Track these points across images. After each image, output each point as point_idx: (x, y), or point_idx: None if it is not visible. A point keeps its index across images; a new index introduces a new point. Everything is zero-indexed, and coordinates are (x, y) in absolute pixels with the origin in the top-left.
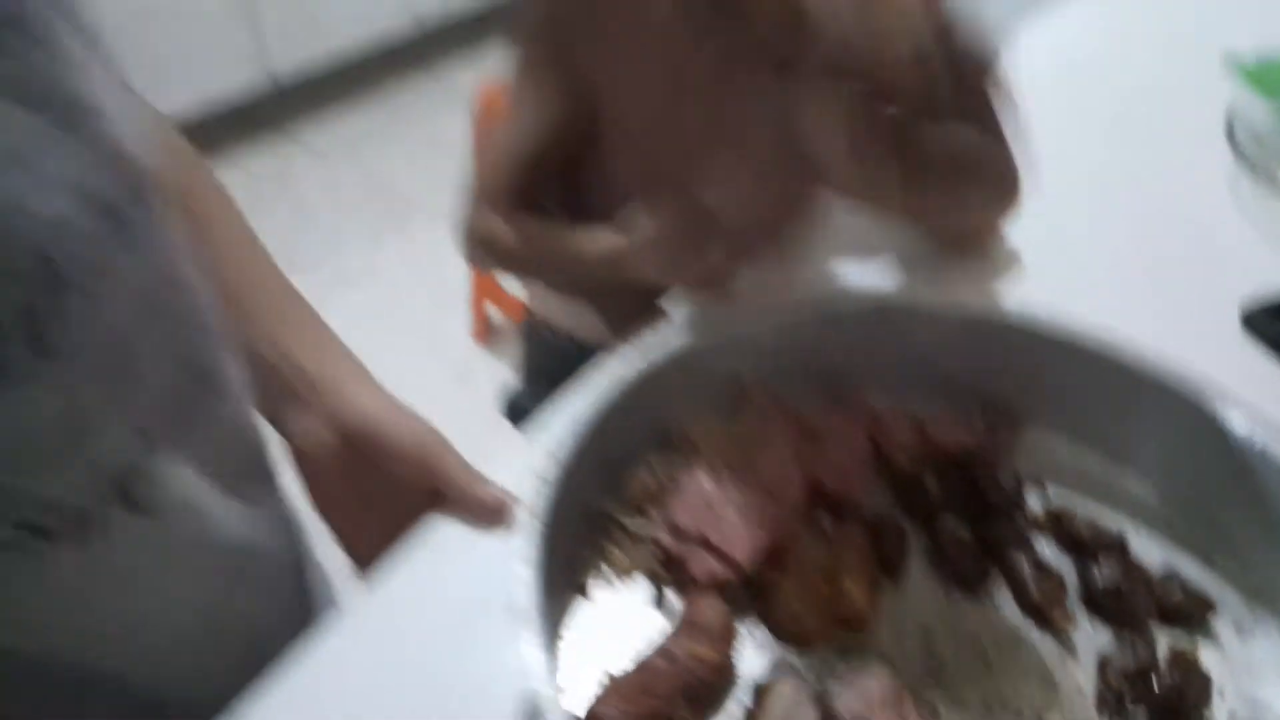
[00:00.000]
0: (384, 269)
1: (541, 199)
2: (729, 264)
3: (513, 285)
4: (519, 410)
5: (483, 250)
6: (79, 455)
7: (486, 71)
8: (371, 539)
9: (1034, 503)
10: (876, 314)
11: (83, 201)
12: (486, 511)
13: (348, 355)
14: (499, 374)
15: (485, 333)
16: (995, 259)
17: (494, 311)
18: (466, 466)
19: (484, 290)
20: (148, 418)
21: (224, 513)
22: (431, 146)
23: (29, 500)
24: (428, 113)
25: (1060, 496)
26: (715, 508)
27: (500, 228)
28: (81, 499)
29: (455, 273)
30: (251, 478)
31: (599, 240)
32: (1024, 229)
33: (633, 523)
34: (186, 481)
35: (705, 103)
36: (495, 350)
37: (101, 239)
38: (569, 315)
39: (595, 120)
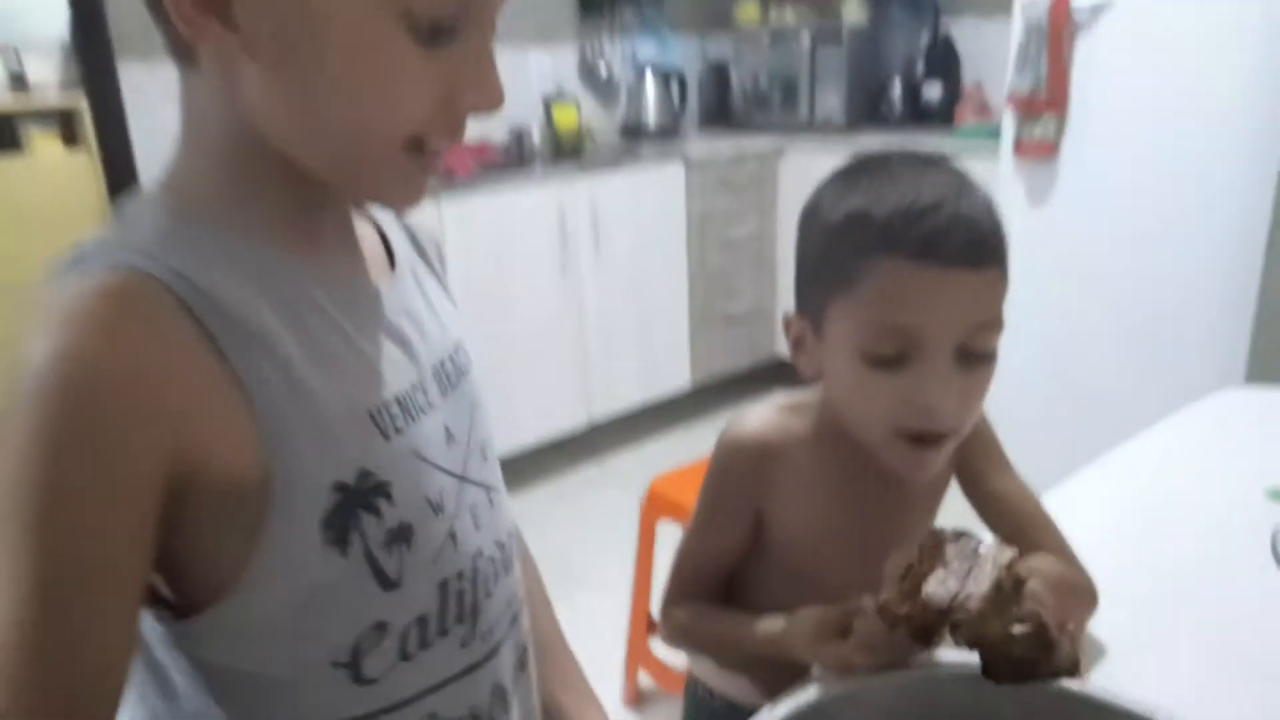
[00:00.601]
0: None
1: (719, 591)
2: (870, 655)
3: (665, 654)
4: None
5: (675, 635)
6: None
7: (647, 462)
8: None
9: None
10: (977, 680)
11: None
12: None
13: (591, 696)
14: None
15: (636, 698)
16: (1081, 648)
17: (645, 678)
18: None
19: (637, 658)
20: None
21: None
22: (596, 528)
23: None
24: (595, 497)
25: None
26: None
27: (687, 618)
28: None
29: (612, 640)
30: None
31: (762, 629)
32: (1104, 626)
33: None
34: None
35: (863, 523)
36: (645, 715)
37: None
38: (728, 681)
39: (764, 530)
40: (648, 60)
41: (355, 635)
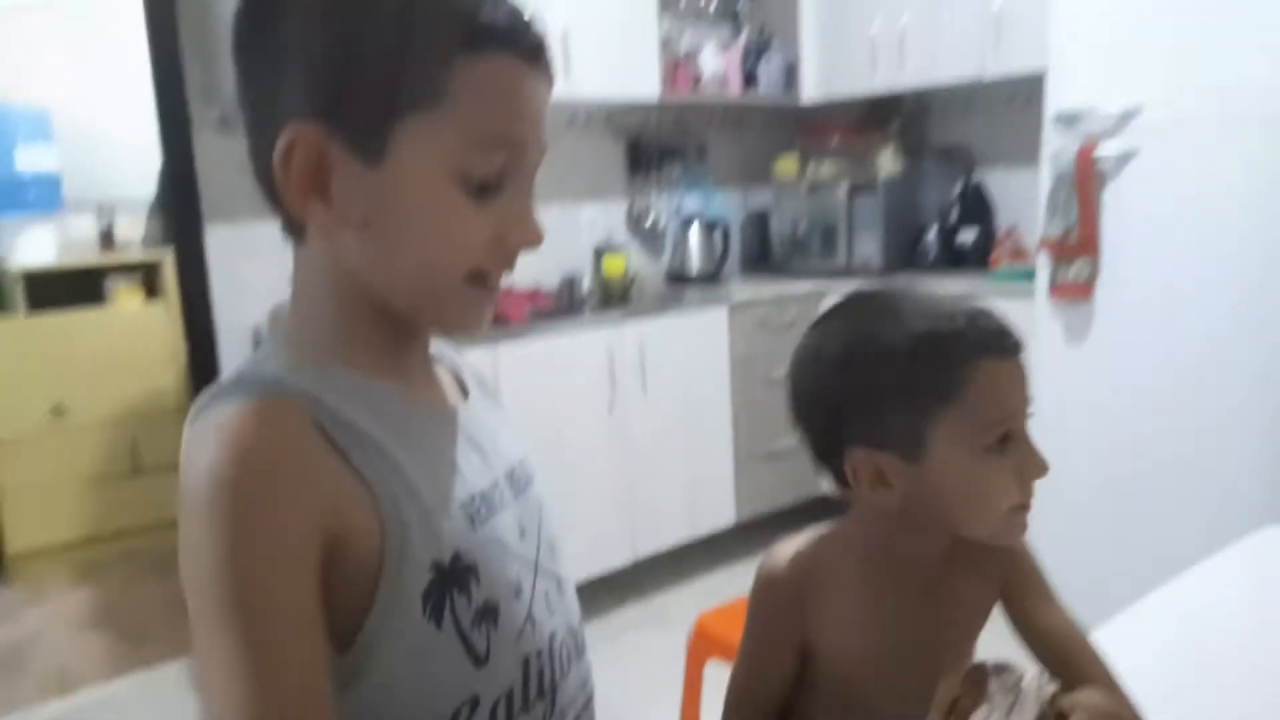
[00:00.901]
0: None
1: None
2: None
3: None
4: None
5: None
6: None
7: (694, 599)
8: None
9: None
10: None
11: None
12: None
13: None
14: None
15: None
16: None
17: None
18: None
19: None
20: None
21: None
22: (643, 668)
23: None
24: (640, 637)
25: None
26: None
27: None
28: None
29: None
30: None
31: None
32: None
33: None
34: None
35: (907, 645)
36: None
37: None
38: None
39: (810, 661)
40: (692, 211)
41: (453, 707)
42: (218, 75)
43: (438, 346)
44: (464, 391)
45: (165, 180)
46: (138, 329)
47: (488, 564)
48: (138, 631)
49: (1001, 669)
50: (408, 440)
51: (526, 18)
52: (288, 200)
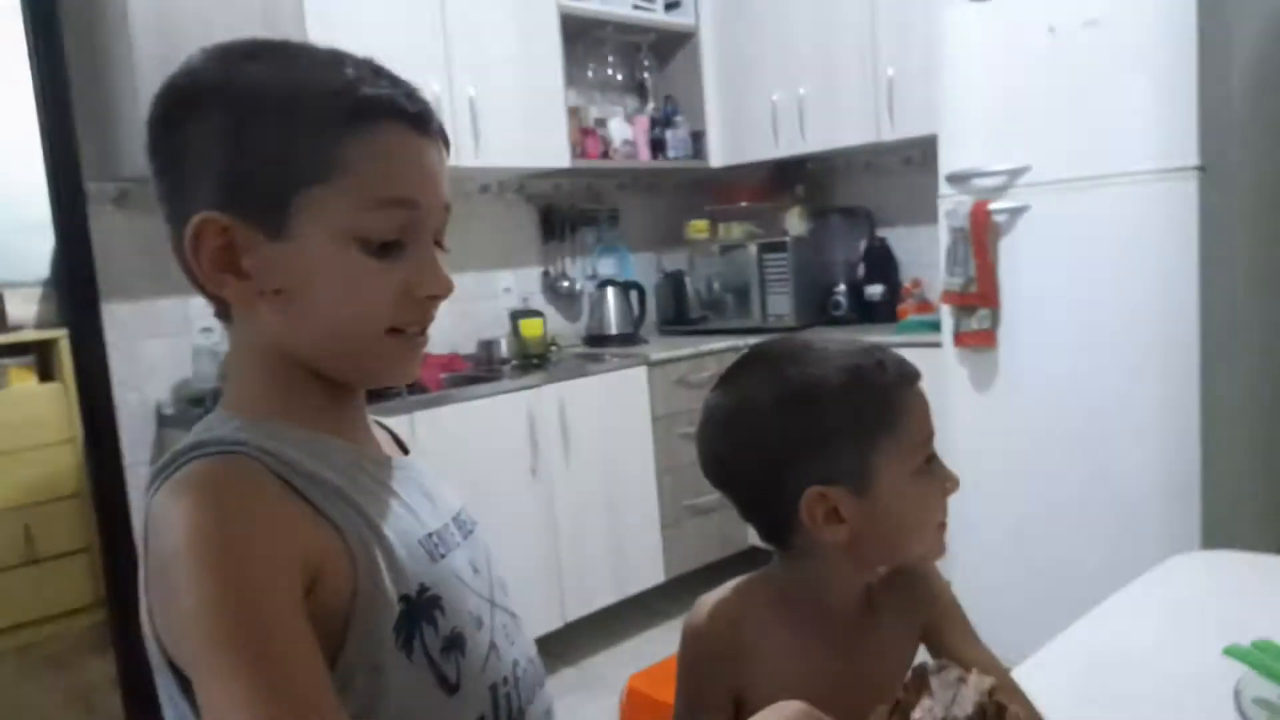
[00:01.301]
0: None
1: None
2: None
3: None
4: None
5: None
6: None
7: (627, 661)
8: None
9: None
10: None
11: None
12: None
13: None
14: None
15: None
16: None
17: None
18: None
19: None
20: None
21: None
22: None
23: None
24: (573, 700)
25: None
26: None
27: None
28: None
29: None
30: None
31: None
32: None
33: None
34: None
35: (841, 684)
36: None
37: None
38: None
39: (744, 712)
40: (607, 274)
41: None
42: (116, 149)
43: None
44: (403, 448)
45: (60, 258)
46: (32, 412)
47: (450, 596)
48: None
49: (942, 667)
50: (362, 486)
51: (408, 90)
52: (204, 282)
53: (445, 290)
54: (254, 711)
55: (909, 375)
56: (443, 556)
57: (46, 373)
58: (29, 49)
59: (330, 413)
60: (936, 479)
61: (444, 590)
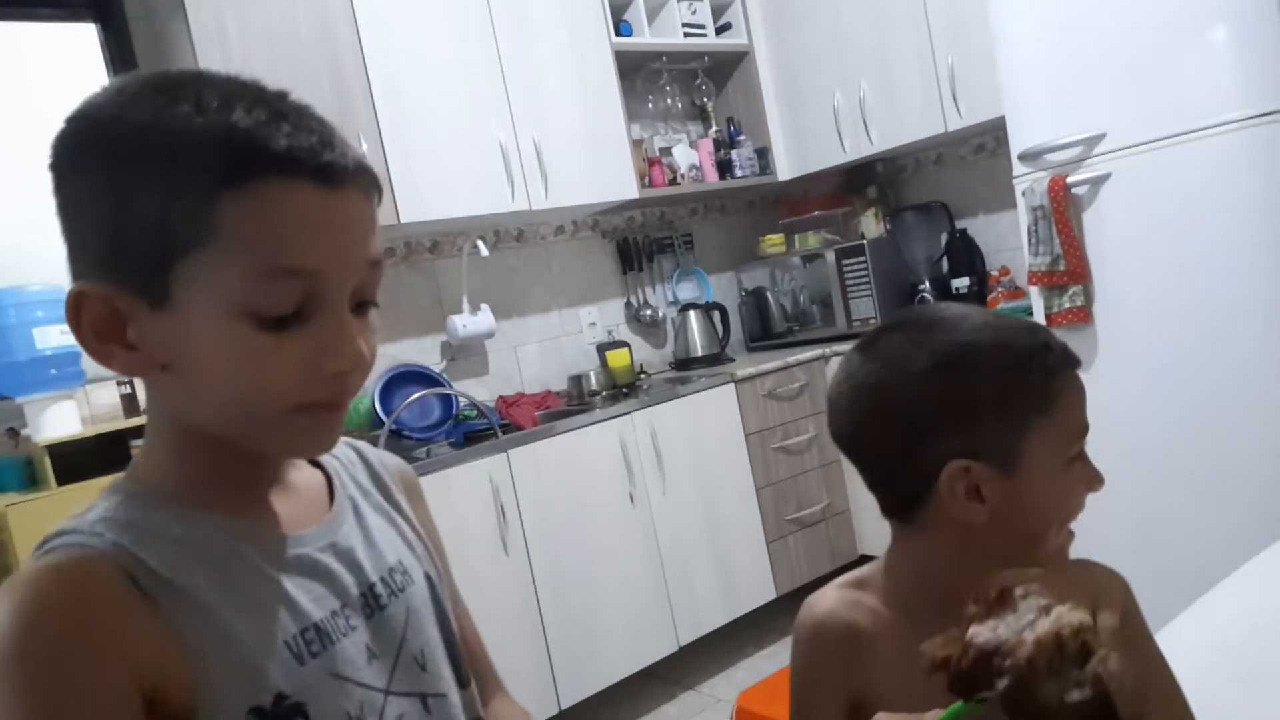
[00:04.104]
0: None
1: None
2: None
3: None
4: None
5: None
6: None
7: (744, 681)
8: None
9: None
10: None
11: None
12: None
13: None
14: None
15: None
16: None
17: None
18: None
19: None
20: None
21: None
22: None
23: None
24: None
25: None
26: None
27: None
28: None
29: None
30: None
31: None
32: None
33: None
34: None
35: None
36: None
37: None
38: None
39: (863, 710)
40: (688, 298)
41: None
42: None
43: (347, 444)
44: (331, 500)
45: None
46: None
47: (320, 699)
48: None
49: (1032, 592)
50: (230, 581)
51: (317, 135)
52: (89, 352)
53: (354, 364)
54: None
55: (1072, 360)
56: (314, 656)
57: None
58: None
59: (233, 486)
60: (1083, 475)
61: (309, 695)
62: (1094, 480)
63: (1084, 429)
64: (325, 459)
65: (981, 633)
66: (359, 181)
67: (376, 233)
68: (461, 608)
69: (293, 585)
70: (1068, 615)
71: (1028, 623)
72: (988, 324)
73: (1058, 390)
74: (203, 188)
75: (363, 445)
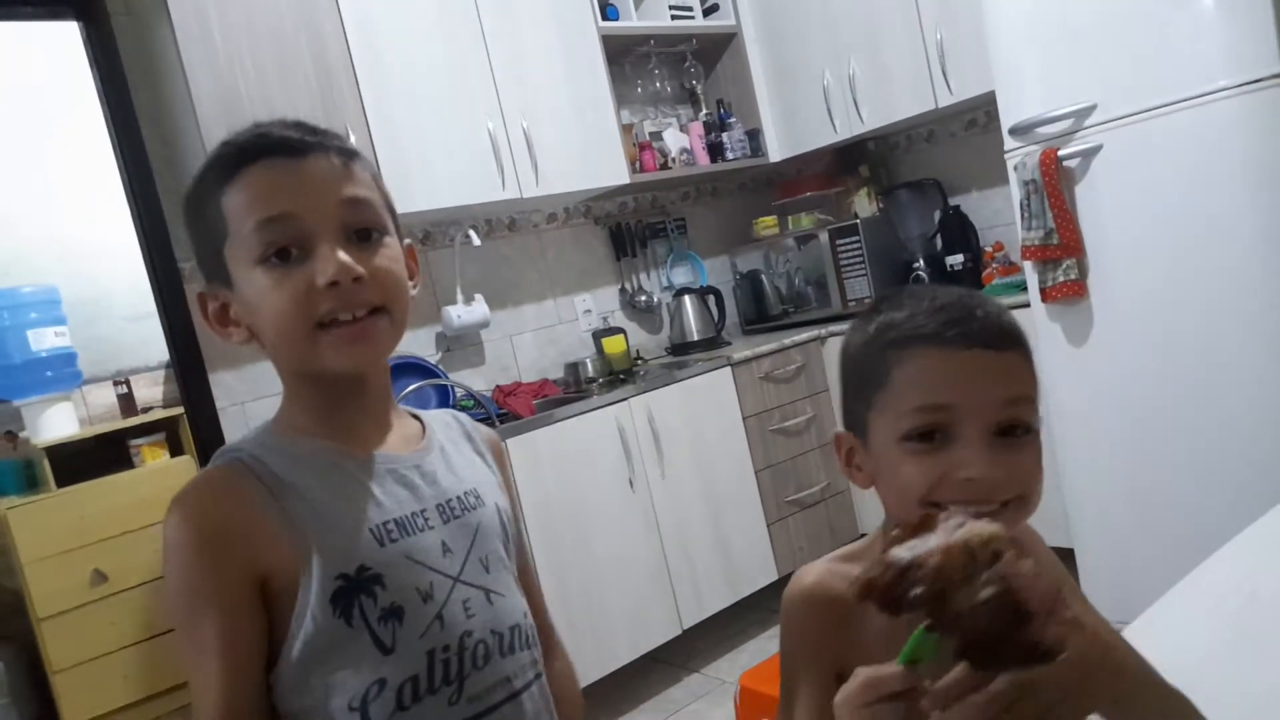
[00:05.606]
0: None
1: None
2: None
3: None
4: None
5: None
6: None
7: (748, 662)
8: None
9: None
10: None
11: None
12: None
13: None
14: None
15: None
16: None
17: None
18: None
19: None
20: None
21: None
22: None
23: None
24: (699, 707)
25: None
26: None
27: None
28: None
29: None
30: None
31: None
32: None
33: None
34: None
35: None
36: None
37: None
38: None
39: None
40: (682, 283)
41: (364, 687)
42: None
43: (446, 412)
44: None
45: (169, 338)
46: (165, 485)
47: (394, 574)
48: None
49: (953, 515)
50: (331, 483)
51: (287, 130)
52: (220, 336)
53: (337, 274)
54: (200, 694)
55: (931, 337)
56: (393, 542)
57: (176, 448)
58: (113, 145)
59: (326, 415)
60: (941, 456)
61: (386, 570)
62: (961, 469)
63: (923, 408)
64: (425, 416)
65: (899, 551)
66: (325, 146)
67: (355, 179)
68: (530, 575)
69: (380, 490)
70: (978, 526)
71: (942, 539)
72: (902, 302)
73: (892, 365)
74: (213, 193)
75: (460, 414)
